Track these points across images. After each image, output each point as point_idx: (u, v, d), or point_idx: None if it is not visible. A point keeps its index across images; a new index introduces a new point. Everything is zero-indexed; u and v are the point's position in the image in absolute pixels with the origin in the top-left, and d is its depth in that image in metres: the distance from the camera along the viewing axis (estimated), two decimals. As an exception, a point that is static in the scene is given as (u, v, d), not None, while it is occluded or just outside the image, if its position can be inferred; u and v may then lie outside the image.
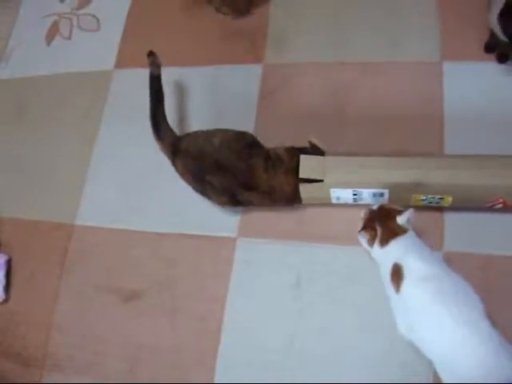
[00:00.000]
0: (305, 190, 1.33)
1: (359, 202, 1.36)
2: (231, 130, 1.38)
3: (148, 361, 1.41)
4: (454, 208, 1.32)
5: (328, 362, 1.30)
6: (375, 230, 1.17)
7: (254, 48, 1.71)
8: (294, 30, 1.70)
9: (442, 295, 1.06)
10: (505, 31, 1.34)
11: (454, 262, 1.28)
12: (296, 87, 1.61)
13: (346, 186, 1.31)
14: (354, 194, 1.32)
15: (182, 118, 1.64)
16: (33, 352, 1.50)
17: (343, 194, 1.33)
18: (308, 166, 1.31)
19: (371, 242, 1.18)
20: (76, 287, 1.54)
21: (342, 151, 1.37)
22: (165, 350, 1.40)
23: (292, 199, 1.37)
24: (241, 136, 1.37)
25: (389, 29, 1.63)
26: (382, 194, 1.31)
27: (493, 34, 1.42)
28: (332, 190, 1.32)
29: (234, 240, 1.46)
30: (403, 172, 1.27)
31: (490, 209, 1.29)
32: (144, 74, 1.73)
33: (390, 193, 1.30)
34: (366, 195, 1.32)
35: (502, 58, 1.49)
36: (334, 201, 1.36)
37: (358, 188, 1.30)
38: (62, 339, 1.50)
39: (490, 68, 1.50)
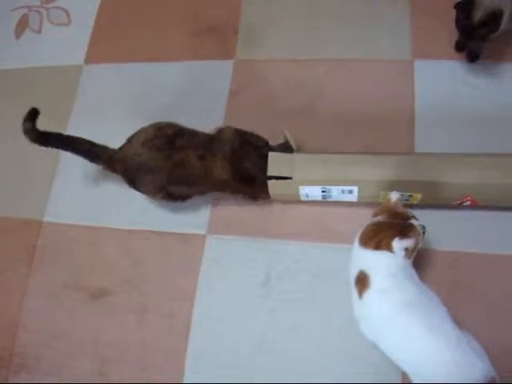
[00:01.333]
0: (273, 187, 1.32)
1: (328, 199, 1.36)
2: (153, 126, 1.34)
3: (116, 360, 1.39)
4: (423, 205, 1.32)
5: (299, 361, 1.29)
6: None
7: (225, 44, 1.69)
8: (266, 27, 1.70)
9: (405, 304, 1.05)
10: (456, 23, 1.38)
11: (424, 260, 1.30)
12: (267, 84, 1.61)
13: (314, 184, 1.31)
14: (323, 192, 1.32)
15: (151, 115, 1.60)
16: (-2, 352, 1.47)
17: (312, 192, 1.33)
18: (276, 163, 1.31)
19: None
20: (44, 285, 1.51)
21: (312, 149, 1.37)
22: (133, 349, 1.39)
23: (246, 192, 1.37)
24: (159, 132, 1.31)
25: (360, 26, 1.63)
26: (350, 191, 1.31)
27: (463, 33, 1.43)
28: (301, 188, 1.32)
29: (204, 237, 1.45)
30: (372, 169, 1.28)
31: (459, 206, 1.30)
32: (114, 69, 1.72)
33: (359, 190, 1.30)
34: (335, 192, 1.32)
35: (471, 57, 1.50)
36: (302, 198, 1.36)
37: (327, 185, 1.30)
38: (30, 338, 1.47)
39: (461, 67, 1.51)
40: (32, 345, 1.46)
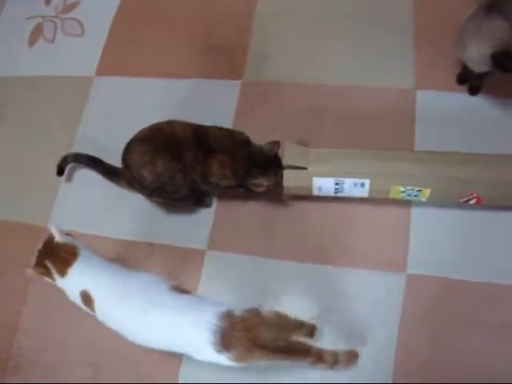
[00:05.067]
0: (288, 177, 1.36)
1: (340, 194, 1.39)
2: None
3: (111, 367, 1.42)
4: (430, 203, 1.37)
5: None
6: (45, 267, 1.21)
7: (233, 64, 1.73)
8: (275, 50, 1.74)
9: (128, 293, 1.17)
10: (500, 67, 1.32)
11: (416, 285, 1.34)
12: (273, 105, 1.65)
13: (328, 175, 1.34)
14: (336, 184, 1.35)
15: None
16: (-5, 354, 1.49)
17: (325, 184, 1.36)
18: (292, 154, 1.37)
19: (49, 277, 1.23)
20: (44, 290, 1.51)
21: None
22: (129, 358, 1.41)
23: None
24: None
25: (366, 55, 1.67)
26: (363, 184, 1.34)
27: (465, 67, 1.46)
28: (315, 179, 1.35)
29: (203, 252, 1.48)
30: (384, 163, 1.33)
31: (464, 205, 1.34)
32: (124, 83, 1.75)
33: (370, 184, 1.33)
34: (348, 185, 1.35)
35: (473, 91, 1.54)
36: (315, 192, 1.39)
37: (340, 177, 1.34)
38: (27, 342, 1.49)
39: (462, 99, 1.55)
40: (29, 348, 1.49)
